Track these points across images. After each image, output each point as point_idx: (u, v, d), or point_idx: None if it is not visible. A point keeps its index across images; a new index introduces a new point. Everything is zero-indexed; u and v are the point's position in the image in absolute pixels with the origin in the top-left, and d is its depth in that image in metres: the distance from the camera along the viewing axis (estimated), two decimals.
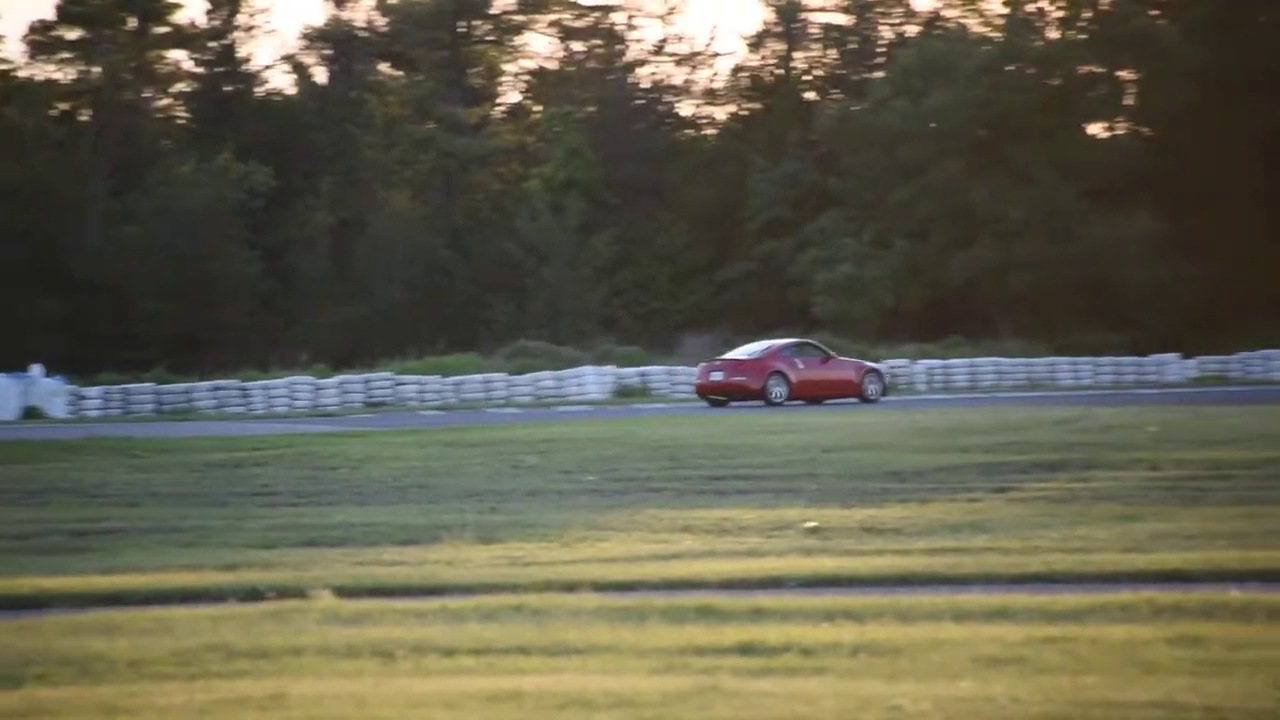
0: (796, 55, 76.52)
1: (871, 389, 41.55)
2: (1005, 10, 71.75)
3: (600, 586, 11.52)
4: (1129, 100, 71.82)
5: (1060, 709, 7.57)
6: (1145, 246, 65.48)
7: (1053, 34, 71.00)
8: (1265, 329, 58.97)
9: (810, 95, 75.93)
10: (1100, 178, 67.27)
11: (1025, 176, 66.98)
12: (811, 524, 15.66)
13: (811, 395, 41.19)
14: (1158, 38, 68.67)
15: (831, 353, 42.80)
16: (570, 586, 11.44)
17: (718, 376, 41.66)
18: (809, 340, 44.12)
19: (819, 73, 76.79)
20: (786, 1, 75.58)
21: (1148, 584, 11.19)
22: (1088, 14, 70.43)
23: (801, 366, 41.34)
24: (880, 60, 74.29)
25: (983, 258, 66.33)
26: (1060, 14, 71.19)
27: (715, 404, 41.61)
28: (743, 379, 41.19)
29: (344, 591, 11.49)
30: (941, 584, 11.64)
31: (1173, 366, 55.27)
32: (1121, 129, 71.94)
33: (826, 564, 12.72)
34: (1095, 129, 72.58)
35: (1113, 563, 12.31)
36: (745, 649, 9.05)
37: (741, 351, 43.10)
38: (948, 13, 74.52)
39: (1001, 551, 13.26)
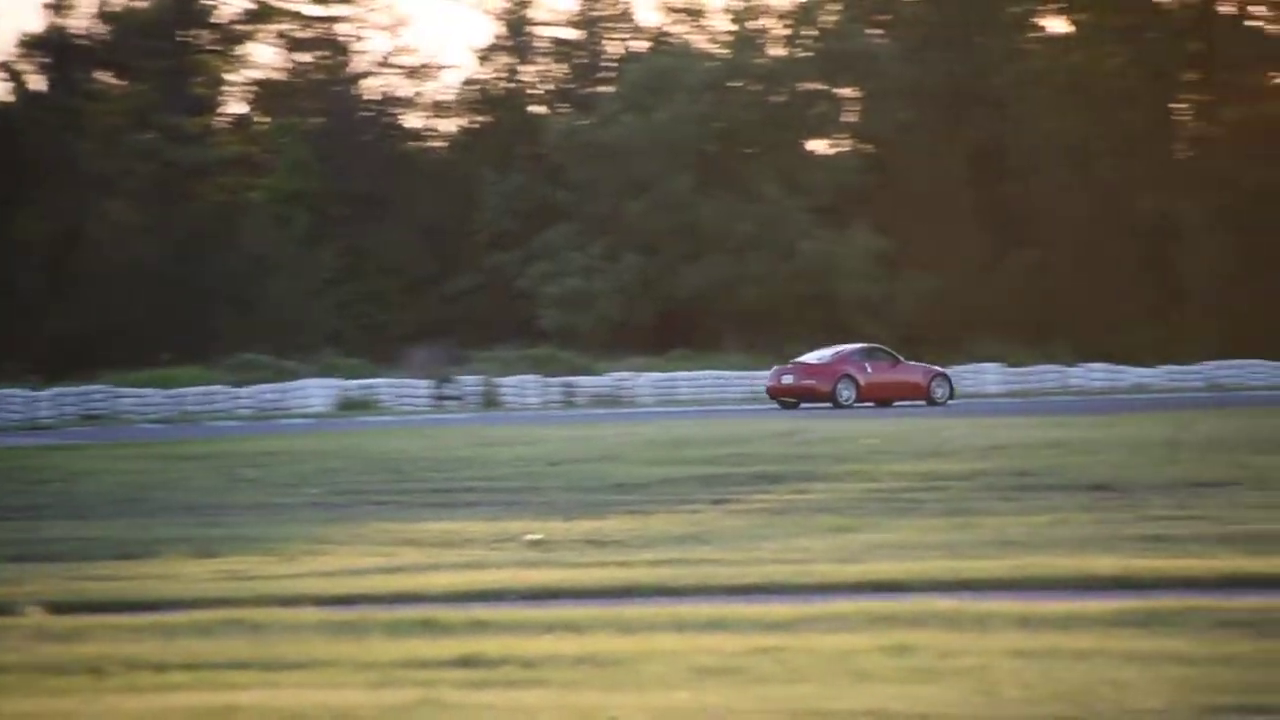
0: (525, 69, 76.63)
1: (939, 392, 42.20)
2: (731, 27, 72.66)
3: (321, 600, 11.42)
4: (850, 117, 73.16)
5: (775, 718, 7.67)
6: (864, 261, 66.83)
7: (777, 51, 72.03)
8: (979, 343, 60.43)
9: (539, 109, 76.09)
10: (822, 194, 68.49)
11: (751, 192, 67.88)
12: (535, 536, 15.68)
13: (880, 398, 41.87)
14: (876, 57, 70.11)
15: (900, 357, 43.42)
16: (290, 601, 11.32)
17: (788, 379, 42.25)
18: (878, 345, 44.84)
19: (548, 87, 77.01)
20: (515, 15, 75.70)
21: (862, 594, 11.39)
22: (810, 32, 71.61)
23: (870, 370, 42.04)
24: (608, 75, 74.74)
25: (711, 272, 67.10)
26: (784, 32, 72.28)
27: (785, 406, 42.03)
28: (812, 382, 41.81)
29: (56, 607, 11.25)
30: (663, 595, 11.73)
31: None
32: (843, 145, 73.23)
33: (549, 576, 12.75)
34: (818, 145, 73.86)
35: (829, 573, 12.50)
36: (466, 661, 9.04)
37: (812, 356, 43.52)
38: (674, 29, 75.21)
39: (721, 563, 13.40)
